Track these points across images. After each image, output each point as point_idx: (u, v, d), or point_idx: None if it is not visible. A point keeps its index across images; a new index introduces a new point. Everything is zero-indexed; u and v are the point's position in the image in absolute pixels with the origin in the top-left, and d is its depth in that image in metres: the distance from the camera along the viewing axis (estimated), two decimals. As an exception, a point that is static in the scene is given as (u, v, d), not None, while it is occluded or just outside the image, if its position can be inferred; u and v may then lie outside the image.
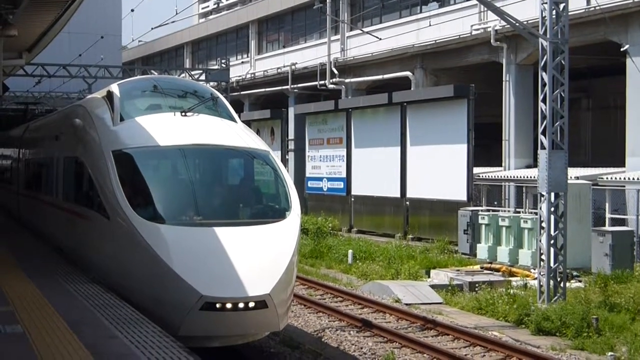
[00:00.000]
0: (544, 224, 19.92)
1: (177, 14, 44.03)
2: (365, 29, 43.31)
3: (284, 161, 41.80)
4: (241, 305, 12.28)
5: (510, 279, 23.40)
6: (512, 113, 35.52)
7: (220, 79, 49.96)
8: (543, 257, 19.89)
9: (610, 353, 16.12)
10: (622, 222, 27.38)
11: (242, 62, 59.02)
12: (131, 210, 13.51)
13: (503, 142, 35.93)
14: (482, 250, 27.77)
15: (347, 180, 38.22)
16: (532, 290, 21.35)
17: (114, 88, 16.68)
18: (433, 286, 22.99)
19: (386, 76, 42.67)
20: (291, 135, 47.54)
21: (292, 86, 50.34)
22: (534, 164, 29.77)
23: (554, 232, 19.92)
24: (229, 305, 12.24)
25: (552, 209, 19.91)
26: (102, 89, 18.09)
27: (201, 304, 12.20)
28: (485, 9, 33.55)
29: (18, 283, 14.62)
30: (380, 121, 35.97)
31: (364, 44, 43.41)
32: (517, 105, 35.46)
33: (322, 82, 46.84)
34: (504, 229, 27.06)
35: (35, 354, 9.68)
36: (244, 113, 49.28)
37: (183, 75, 51.82)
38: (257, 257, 12.94)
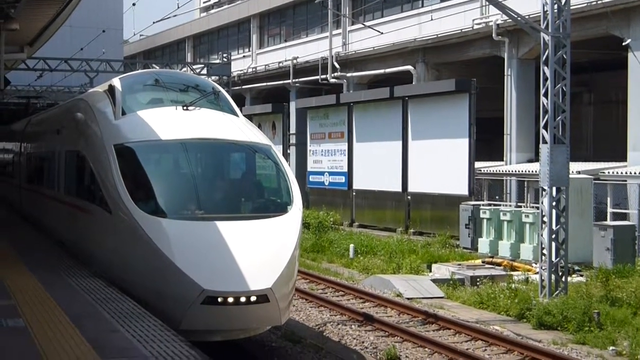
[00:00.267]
0: (545, 219, 19.91)
1: (178, 7, 44.04)
2: (367, 23, 43.26)
3: (286, 155, 41.78)
4: (243, 299, 12.29)
5: (512, 273, 23.41)
6: (513, 107, 35.50)
7: (222, 73, 49.90)
8: (544, 251, 19.89)
9: (611, 347, 16.13)
10: (624, 216, 27.38)
11: (244, 57, 58.98)
12: (133, 204, 13.51)
13: (505, 136, 35.91)
14: (483, 245, 27.78)
15: (349, 174, 38.22)
16: (533, 284, 21.36)
17: (116, 82, 16.68)
18: (434, 280, 22.99)
19: (388, 70, 42.64)
20: (293, 129, 47.51)
21: (293, 80, 50.31)
22: (536, 159, 29.75)
23: (556, 226, 19.92)
24: (230, 300, 12.25)
25: (554, 203, 19.90)
26: (104, 83, 18.09)
27: (203, 298, 12.21)
28: (487, 3, 33.45)
29: (20, 277, 14.63)
30: (381, 115, 35.96)
31: (366, 38, 43.37)
32: (519, 99, 35.43)
33: (323, 76, 46.81)
34: (505, 223, 27.06)
35: (36, 348, 9.69)
36: (245, 107, 49.23)
37: (184, 69, 51.77)
38: (259, 251, 12.95)
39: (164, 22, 44.59)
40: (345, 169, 38.46)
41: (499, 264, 24.68)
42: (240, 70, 56.68)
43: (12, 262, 16.35)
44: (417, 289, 22.01)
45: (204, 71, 49.62)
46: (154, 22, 39.59)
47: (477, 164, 32.10)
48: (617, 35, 30.66)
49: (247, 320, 12.89)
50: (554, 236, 19.86)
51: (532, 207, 28.70)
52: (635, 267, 23.23)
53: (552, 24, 19.87)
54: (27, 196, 25.85)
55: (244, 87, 56.15)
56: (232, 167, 16.16)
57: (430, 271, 24.71)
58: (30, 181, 24.94)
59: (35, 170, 24.16)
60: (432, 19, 39.16)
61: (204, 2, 74.59)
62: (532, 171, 30.43)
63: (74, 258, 16.85)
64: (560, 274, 19.89)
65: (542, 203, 20.19)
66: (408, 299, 21.20)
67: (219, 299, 12.23)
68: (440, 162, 31.66)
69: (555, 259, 19.82)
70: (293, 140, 47.52)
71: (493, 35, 35.28)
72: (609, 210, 27.86)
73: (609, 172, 28.73)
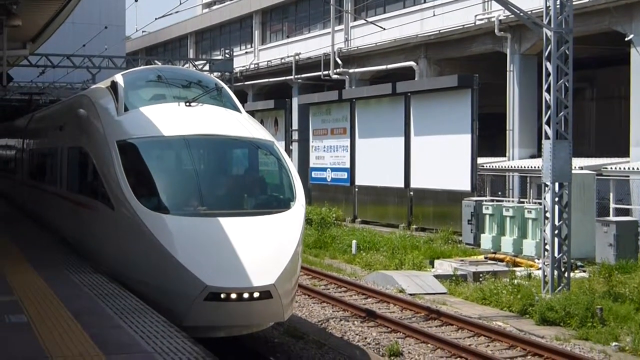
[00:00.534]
0: (548, 214, 19.91)
1: (180, 4, 43.93)
2: (369, 19, 43.19)
3: (288, 152, 41.75)
4: (246, 295, 12.29)
5: (515, 269, 23.38)
6: (516, 103, 35.47)
7: (224, 70, 49.90)
8: (547, 247, 19.88)
9: (614, 343, 16.13)
10: (627, 212, 27.36)
11: (246, 53, 58.97)
12: (135, 201, 13.52)
13: (507, 132, 35.88)
14: (486, 241, 27.77)
15: (351, 170, 38.20)
16: (536, 280, 21.35)
17: (118, 78, 16.68)
18: (437, 276, 22.99)
19: (390, 66, 42.60)
20: (295, 125, 47.50)
21: (295, 76, 50.29)
22: (538, 154, 29.76)
23: (558, 222, 19.91)
24: (233, 296, 12.26)
25: (556, 199, 19.89)
26: (107, 79, 18.09)
27: (206, 294, 12.22)
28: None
29: (22, 273, 14.65)
30: (384, 111, 35.94)
31: (368, 34, 43.32)
32: (521, 95, 35.40)
33: (325, 72, 46.78)
34: (508, 219, 27.05)
35: (39, 344, 9.70)
36: (247, 103, 49.22)
37: (187, 65, 51.78)
38: (262, 248, 12.95)
39: (166, 18, 44.57)
40: (348, 165, 38.44)
41: (501, 260, 24.66)
42: (243, 67, 56.67)
43: (14, 259, 16.36)
44: (419, 285, 22.01)
45: (206, 67, 49.66)
46: (156, 19, 39.61)
47: (480, 160, 32.08)
48: (619, 31, 30.63)
49: (250, 317, 12.89)
50: (556, 232, 19.84)
51: (535, 202, 28.69)
52: (638, 262, 23.23)
53: (555, 19, 19.85)
54: (29, 193, 25.86)
55: (246, 83, 56.13)
56: (235, 163, 16.17)
57: (433, 267, 24.70)
58: (33, 178, 24.95)
59: (38, 167, 24.17)
60: (434, 15, 39.15)
61: (206, -2, 74.60)
62: (535, 167, 30.41)
63: (76, 254, 16.86)
64: (562, 269, 19.88)
65: (544, 199, 20.18)
66: (411, 295, 21.20)
67: (222, 295, 12.24)
68: (442, 158, 31.63)
69: (558, 254, 19.81)
70: (295, 136, 47.52)
71: (495, 31, 35.25)
72: (612, 205, 27.83)
73: (611, 168, 28.70)
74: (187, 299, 12.35)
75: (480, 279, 22.16)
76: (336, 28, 47.49)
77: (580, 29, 28.37)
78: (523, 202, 29.85)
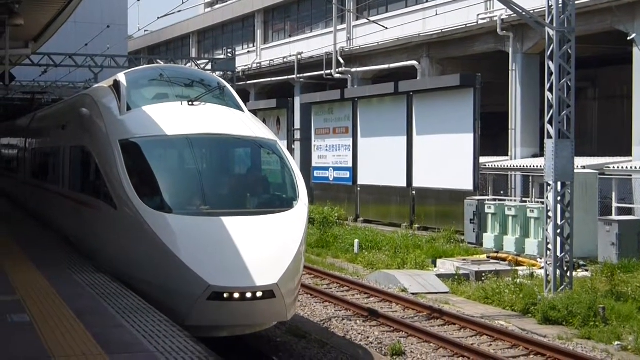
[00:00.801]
0: (550, 213, 19.88)
1: (183, 3, 43.90)
2: (372, 18, 43.11)
3: (290, 151, 41.72)
4: (249, 295, 12.28)
5: (517, 268, 23.37)
6: (518, 102, 35.42)
7: (226, 69, 49.86)
8: (549, 246, 19.85)
9: (617, 342, 16.12)
10: (629, 211, 27.33)
11: (248, 52, 58.93)
12: (138, 200, 13.52)
13: (509, 131, 35.82)
14: (488, 240, 27.76)
15: (354, 169, 38.20)
16: (538, 279, 21.33)
17: (121, 77, 16.68)
18: (439, 276, 22.98)
19: (392, 65, 42.56)
20: (297, 124, 47.48)
21: (298, 76, 50.25)
22: (541, 154, 29.72)
23: (561, 221, 19.88)
24: (236, 295, 12.25)
25: (559, 198, 19.87)
26: (109, 78, 18.08)
27: (209, 294, 12.21)
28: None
29: (25, 272, 14.65)
30: (386, 111, 35.93)
31: (370, 33, 43.25)
32: (524, 94, 35.35)
33: (328, 71, 46.74)
34: (510, 218, 27.05)
35: (41, 343, 9.71)
36: (250, 103, 49.17)
37: (189, 64, 51.74)
38: (265, 247, 12.94)
39: (168, 17, 44.51)
40: (350, 164, 38.44)
41: (504, 259, 24.66)
42: (245, 66, 56.64)
43: (17, 258, 16.37)
44: (422, 284, 22.00)
45: (209, 67, 49.60)
46: (158, 18, 39.48)
47: (482, 159, 32.07)
48: (622, 30, 30.59)
49: (253, 316, 12.88)
50: (559, 231, 19.82)
51: (537, 202, 28.67)
52: (640, 262, 23.23)
53: (557, 18, 19.83)
54: (31, 192, 25.87)
55: (248, 82, 56.10)
56: (238, 163, 16.16)
57: (435, 266, 24.70)
58: (35, 177, 24.96)
59: (40, 166, 24.18)
60: (436, 14, 39.10)
61: (208, -2, 74.56)
62: (537, 166, 30.38)
63: (79, 253, 16.86)
64: (565, 269, 19.86)
65: (547, 198, 20.16)
66: (413, 294, 21.20)
67: (225, 295, 12.23)
68: (445, 157, 31.62)
69: (561, 254, 19.79)
70: (297, 135, 47.49)
71: (498, 30, 35.20)
72: (614, 205, 27.81)
73: (614, 167, 28.68)
74: (190, 298, 12.35)
75: (483, 279, 22.15)
76: (338, 27, 47.45)
77: (582, 28, 28.32)
78: (525, 202, 29.83)
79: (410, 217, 34.09)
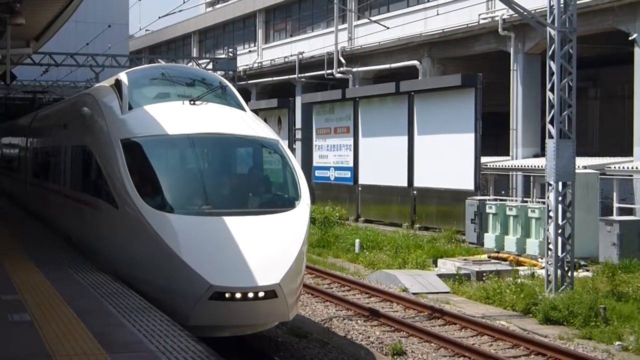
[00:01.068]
0: (551, 213, 19.88)
1: (184, 2, 43.92)
2: (373, 18, 43.11)
3: (291, 150, 41.71)
4: (251, 295, 12.26)
5: (518, 268, 23.38)
6: (519, 102, 35.39)
7: (228, 68, 49.90)
8: (550, 246, 19.86)
9: (617, 342, 16.13)
10: (630, 211, 27.32)
11: (250, 51, 58.91)
12: (140, 200, 13.51)
13: (510, 131, 35.80)
14: (489, 240, 27.76)
15: (355, 169, 38.21)
16: (539, 279, 21.33)
17: (123, 76, 16.67)
18: (440, 275, 22.99)
19: (393, 65, 42.53)
20: (298, 124, 47.47)
21: (299, 75, 50.23)
22: (542, 153, 29.65)
23: (562, 221, 19.88)
24: (238, 295, 12.23)
25: (560, 198, 19.87)
26: (110, 78, 18.07)
27: (210, 294, 12.19)
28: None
29: (26, 272, 14.65)
30: (387, 110, 35.93)
31: (372, 32, 43.23)
32: (525, 94, 35.32)
33: (329, 71, 46.72)
34: (511, 218, 27.04)
35: (43, 342, 9.70)
36: (251, 102, 49.14)
37: (190, 64, 51.73)
38: (267, 247, 12.93)
39: (169, 17, 44.56)
40: (351, 164, 38.45)
41: (505, 259, 24.66)
42: (246, 65, 56.63)
43: (18, 257, 16.38)
44: (422, 284, 22.00)
45: (210, 66, 49.63)
46: (159, 17, 39.50)
47: (483, 159, 32.05)
48: (623, 30, 30.57)
49: (255, 316, 12.86)
50: (560, 231, 19.83)
51: (538, 202, 28.66)
52: (641, 262, 23.22)
53: (559, 18, 19.83)
54: (33, 191, 25.86)
55: (249, 82, 56.08)
56: (240, 162, 16.14)
57: (436, 266, 24.70)
58: (37, 176, 24.95)
59: (42, 165, 24.16)
60: (437, 14, 39.06)
61: (209, -3, 74.53)
62: (538, 166, 30.36)
63: (80, 253, 16.86)
64: (566, 269, 19.86)
65: (548, 198, 20.16)
66: (414, 294, 21.21)
67: (227, 295, 12.21)
68: (446, 157, 31.62)
69: (562, 254, 19.79)
70: (299, 135, 47.47)
71: (499, 30, 35.18)
72: (615, 205, 27.79)
73: (615, 167, 28.67)
74: (191, 298, 12.33)
75: (484, 278, 22.16)
76: (340, 27, 47.41)
77: (584, 28, 28.33)
78: (526, 202, 29.82)
79: (411, 216, 34.09)
